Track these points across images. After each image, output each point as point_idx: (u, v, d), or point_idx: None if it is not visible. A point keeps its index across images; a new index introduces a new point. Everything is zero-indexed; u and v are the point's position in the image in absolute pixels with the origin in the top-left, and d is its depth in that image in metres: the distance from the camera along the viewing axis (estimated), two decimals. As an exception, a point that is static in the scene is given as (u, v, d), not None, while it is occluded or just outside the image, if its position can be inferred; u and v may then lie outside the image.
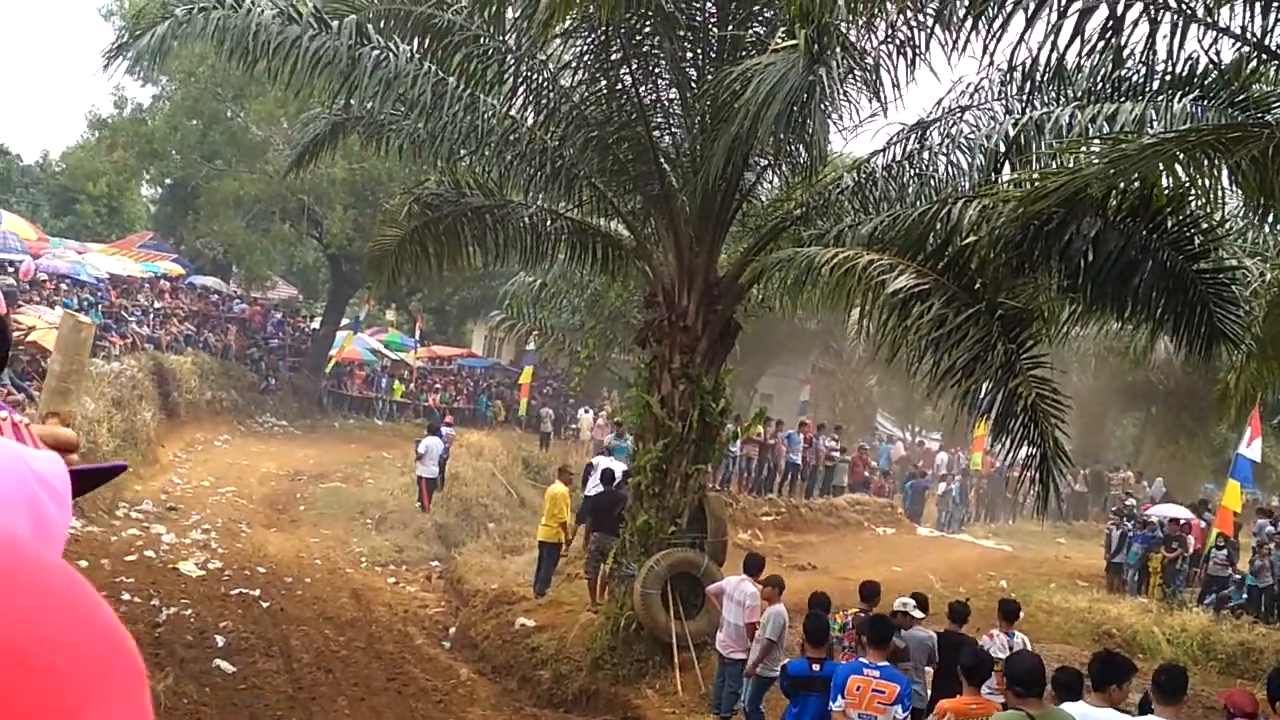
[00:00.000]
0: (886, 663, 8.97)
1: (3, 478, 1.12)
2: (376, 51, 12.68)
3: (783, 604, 12.11)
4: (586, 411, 37.55)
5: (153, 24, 12.92)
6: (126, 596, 15.21)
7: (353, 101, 14.03)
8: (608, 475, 18.10)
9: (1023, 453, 11.10)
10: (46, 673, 0.71)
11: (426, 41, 13.77)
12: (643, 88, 14.34)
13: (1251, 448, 17.98)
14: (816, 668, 9.63)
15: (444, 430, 27.16)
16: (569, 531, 18.03)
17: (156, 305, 34.26)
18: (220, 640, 14.16)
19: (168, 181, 42.37)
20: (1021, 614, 13.12)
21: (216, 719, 11.66)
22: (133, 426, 24.28)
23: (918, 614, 11.47)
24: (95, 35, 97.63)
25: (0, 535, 0.84)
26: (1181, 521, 22.73)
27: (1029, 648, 11.30)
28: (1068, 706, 7.12)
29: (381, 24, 13.59)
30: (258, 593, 16.71)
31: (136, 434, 24.51)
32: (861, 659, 9.07)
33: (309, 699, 12.78)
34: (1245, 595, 19.67)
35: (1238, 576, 20.27)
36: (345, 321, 43.71)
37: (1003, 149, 12.15)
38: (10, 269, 26.46)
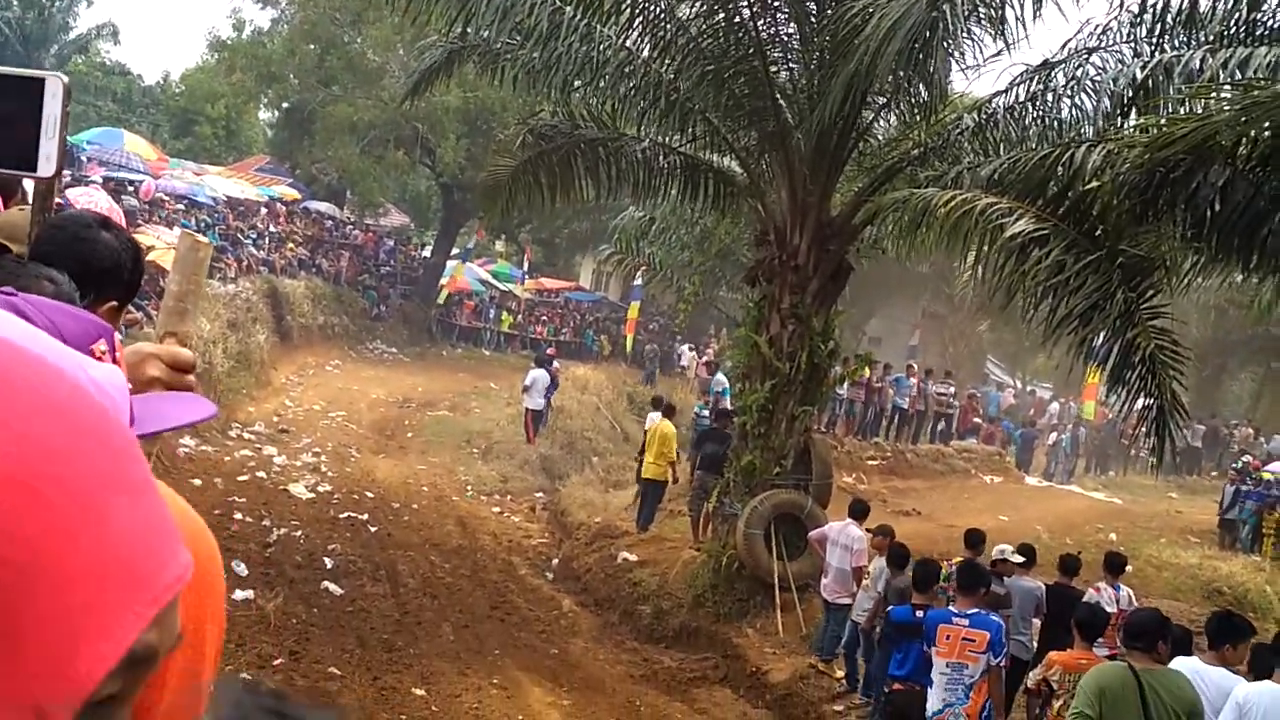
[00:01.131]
0: (977, 609, 8.81)
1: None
2: (494, -22, 12.63)
3: None
4: (691, 349, 37.47)
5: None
6: (239, 516, 15.51)
7: (469, 30, 14.01)
8: (721, 412, 18.10)
9: (1139, 404, 10.88)
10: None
11: (544, -31, 13.67)
12: (761, 21, 14.13)
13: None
14: (920, 614, 9.48)
15: (552, 364, 27.27)
16: (676, 470, 18.04)
17: (272, 229, 34.71)
18: (329, 562, 14.41)
19: (285, 105, 42.78)
20: (1130, 568, 12.90)
21: (324, 639, 11.86)
22: (247, 349, 24.70)
23: (1017, 559, 11.32)
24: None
25: None
26: (1297, 479, 22.23)
27: (1135, 602, 11.13)
28: (1178, 662, 6.99)
29: (500, -50, 13.50)
30: (366, 517, 16.96)
31: (250, 356, 24.93)
32: (951, 608, 8.95)
33: (414, 624, 12.98)
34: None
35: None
36: (455, 251, 43.97)
37: (1130, 93, 11.84)
38: (130, 188, 26.90)
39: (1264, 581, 17.00)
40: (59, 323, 1.31)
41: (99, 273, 2.29)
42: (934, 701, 8.68)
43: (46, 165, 1.56)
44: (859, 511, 12.97)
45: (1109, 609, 10.83)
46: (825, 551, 12.80)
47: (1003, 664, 8.67)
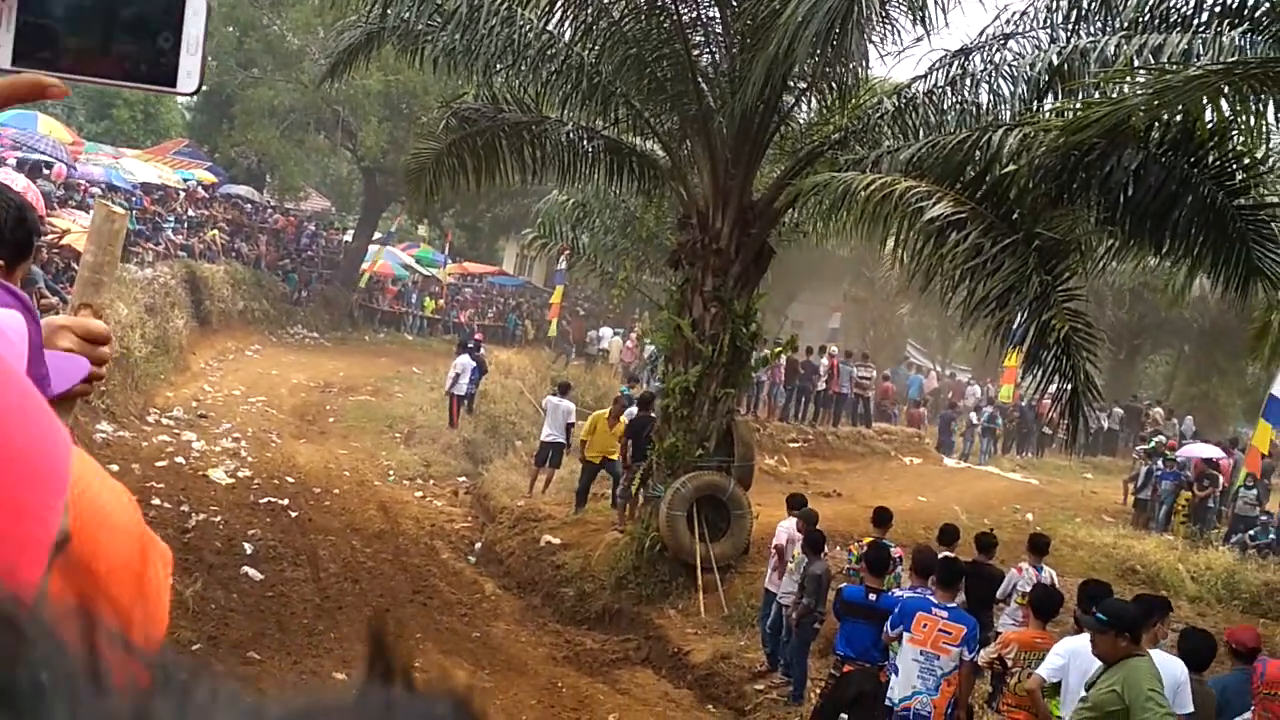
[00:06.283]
0: (955, 605, 8.97)
1: None
2: (413, -39, 12.53)
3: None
4: (616, 332, 37.43)
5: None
6: (156, 501, 15.33)
7: (389, 11, 13.90)
8: (645, 399, 18.14)
9: (1053, 386, 11.04)
10: None
11: (464, -48, 13.60)
12: (682, 5, 14.15)
13: (1284, 388, 17.71)
14: (873, 597, 9.63)
15: (479, 350, 27.13)
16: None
17: (191, 214, 34.23)
18: (248, 548, 14.30)
19: (203, 88, 42.26)
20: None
21: (244, 625, 11.80)
22: (165, 333, 24.38)
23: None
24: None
25: None
26: (1212, 460, 22.66)
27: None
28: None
29: (420, -67, 13.42)
30: (286, 502, 16.83)
31: (168, 341, 24.62)
32: (930, 596, 9.04)
33: (335, 608, 12.92)
34: (1272, 535, 19.60)
35: (1264, 517, 20.22)
36: (378, 236, 43.66)
37: (1046, 78, 12.00)
38: (45, 171, 26.40)
39: (1176, 560, 17.33)
40: None
41: None
42: (901, 688, 8.76)
43: (188, 81, 1.60)
44: (797, 503, 13.05)
45: (1027, 589, 11.01)
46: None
47: (974, 660, 8.75)
